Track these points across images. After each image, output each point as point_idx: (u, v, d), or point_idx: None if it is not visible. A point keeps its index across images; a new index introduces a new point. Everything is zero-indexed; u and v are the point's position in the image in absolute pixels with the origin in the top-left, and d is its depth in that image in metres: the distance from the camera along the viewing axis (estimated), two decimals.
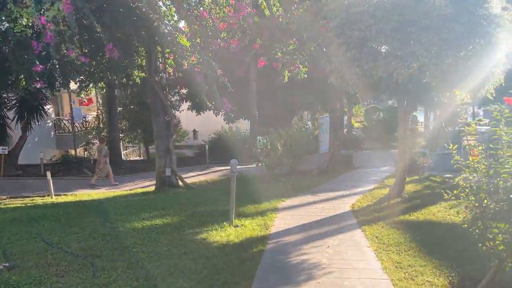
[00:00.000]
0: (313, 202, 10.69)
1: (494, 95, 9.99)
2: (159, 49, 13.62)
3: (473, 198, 4.93)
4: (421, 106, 26.80)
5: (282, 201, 10.82)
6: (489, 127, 15.16)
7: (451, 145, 5.33)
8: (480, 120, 47.77)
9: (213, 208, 9.97)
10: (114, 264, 6.13)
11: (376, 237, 7.48)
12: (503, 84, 9.77)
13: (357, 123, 46.26)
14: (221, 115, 24.90)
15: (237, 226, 8.24)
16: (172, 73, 20.47)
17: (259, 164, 15.55)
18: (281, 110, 25.45)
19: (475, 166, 5.04)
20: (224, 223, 8.31)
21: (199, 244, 7.19)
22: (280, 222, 8.68)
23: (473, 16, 8.62)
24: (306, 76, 19.23)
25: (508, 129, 4.87)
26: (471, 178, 5.05)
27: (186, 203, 10.86)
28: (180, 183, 14.13)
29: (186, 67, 12.70)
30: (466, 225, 5.14)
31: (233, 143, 20.34)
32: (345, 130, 27.86)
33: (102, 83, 19.44)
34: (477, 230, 4.93)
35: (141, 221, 8.67)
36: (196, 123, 31.01)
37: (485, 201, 4.85)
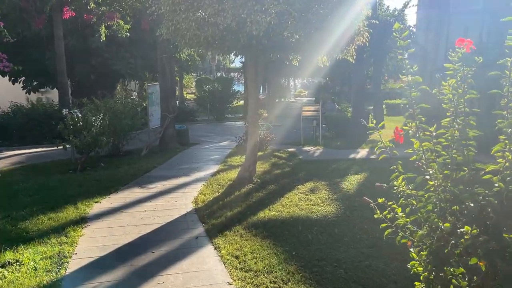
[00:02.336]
0: (142, 199, 7.60)
1: (354, 58, 8.41)
2: None
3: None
4: (279, 73, 25.75)
5: (97, 201, 7.43)
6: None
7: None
8: (301, 92, 50.24)
9: None
10: None
11: (237, 259, 4.92)
12: (367, 44, 8.23)
13: (189, 95, 43.75)
14: (19, 82, 19.21)
15: (6, 265, 4.65)
16: None
17: (68, 147, 11.51)
18: (102, 78, 20.98)
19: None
20: None
21: None
22: (87, 245, 5.38)
23: None
24: (129, 34, 15.50)
25: None
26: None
27: None
28: None
29: None
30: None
31: (37, 119, 15.38)
32: (177, 102, 24.94)
33: None
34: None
35: None
36: None
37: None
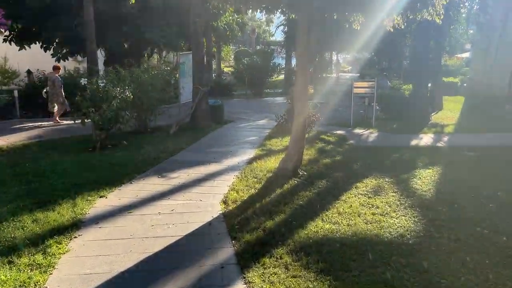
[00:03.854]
0: (158, 195, 5.92)
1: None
2: None
3: None
4: (323, 45, 22.95)
5: (102, 195, 5.82)
6: None
7: None
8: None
9: None
10: None
11: None
12: None
13: (227, 68, 41.85)
14: (50, 50, 17.98)
15: None
16: None
17: (88, 121, 10.05)
18: (135, 47, 19.44)
19: None
20: None
21: None
22: (68, 271, 3.73)
23: None
24: None
25: None
26: None
27: None
28: None
29: None
30: None
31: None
32: (214, 75, 23.12)
33: None
34: None
35: None
36: (30, 62, 22.54)
37: None
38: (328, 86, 21.70)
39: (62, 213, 5.07)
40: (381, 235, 4.66)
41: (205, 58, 12.25)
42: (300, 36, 6.18)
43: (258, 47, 50.50)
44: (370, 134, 11.25)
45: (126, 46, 19.66)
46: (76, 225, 4.72)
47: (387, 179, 6.80)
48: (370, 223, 4.97)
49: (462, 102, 18.75)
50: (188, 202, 5.63)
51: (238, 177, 6.81)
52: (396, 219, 5.12)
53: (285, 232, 4.66)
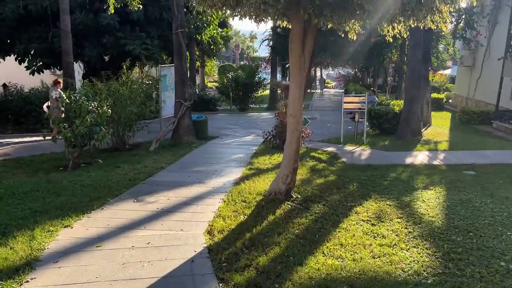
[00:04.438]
0: (132, 224, 5.12)
1: None
2: None
3: None
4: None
5: (67, 225, 4.98)
6: None
7: None
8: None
9: None
10: None
11: None
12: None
13: (211, 83, 41.19)
14: (25, 62, 17.03)
15: None
16: None
17: (58, 138, 9.21)
18: (116, 60, 18.60)
19: None
20: None
21: None
22: None
23: None
24: (141, 7, 12.97)
25: None
26: None
27: None
28: None
29: None
30: None
31: (35, 104, 13.08)
32: (198, 89, 22.41)
33: None
34: None
35: None
36: (7, 75, 21.11)
37: None
38: (314, 102, 21.20)
39: (16, 248, 4.24)
40: (392, 272, 3.98)
41: (188, 72, 11.56)
42: (295, 43, 5.56)
43: (241, 63, 50.18)
44: (363, 152, 10.67)
45: (106, 59, 18.87)
46: (30, 265, 3.89)
47: (388, 202, 6.15)
48: (379, 257, 4.28)
49: (449, 118, 18.50)
50: (167, 233, 4.85)
51: (225, 201, 6.07)
52: (407, 251, 4.45)
53: (281, 270, 3.93)
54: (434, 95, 24.32)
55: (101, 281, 3.66)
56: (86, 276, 3.74)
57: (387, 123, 13.23)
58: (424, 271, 4.02)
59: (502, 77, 16.09)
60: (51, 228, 4.83)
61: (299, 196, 6.24)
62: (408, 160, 9.60)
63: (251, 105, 23.12)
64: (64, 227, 4.91)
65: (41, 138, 10.74)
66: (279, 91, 20.39)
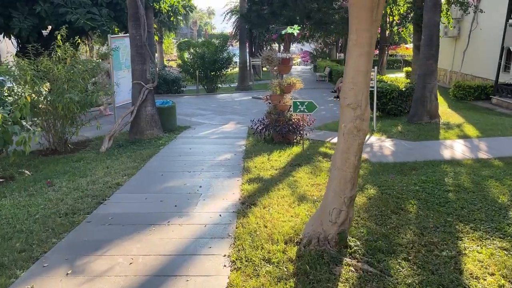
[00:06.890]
0: None
1: None
2: None
3: None
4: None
5: None
6: None
7: None
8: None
9: None
10: None
11: None
12: None
13: (170, 62, 37.27)
14: None
15: None
16: None
17: None
18: (55, 34, 14.88)
19: None
20: None
21: None
22: None
23: None
24: None
25: None
26: None
27: None
28: None
29: None
30: None
31: None
32: (158, 68, 19.03)
33: None
34: None
35: None
36: None
37: None
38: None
39: None
40: None
41: (147, 46, 8.48)
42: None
43: (200, 40, 46.35)
44: (381, 143, 8.20)
45: (45, 34, 15.15)
46: None
47: (496, 242, 3.69)
48: None
49: (443, 94, 16.53)
50: None
51: (234, 262, 3.35)
52: None
53: None
54: (408, 68, 22.41)
55: None
56: None
57: (391, 103, 10.87)
58: None
59: (502, 47, 14.18)
60: None
61: (358, 242, 3.63)
62: (446, 154, 7.24)
63: (219, 85, 20.10)
64: None
65: None
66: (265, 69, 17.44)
